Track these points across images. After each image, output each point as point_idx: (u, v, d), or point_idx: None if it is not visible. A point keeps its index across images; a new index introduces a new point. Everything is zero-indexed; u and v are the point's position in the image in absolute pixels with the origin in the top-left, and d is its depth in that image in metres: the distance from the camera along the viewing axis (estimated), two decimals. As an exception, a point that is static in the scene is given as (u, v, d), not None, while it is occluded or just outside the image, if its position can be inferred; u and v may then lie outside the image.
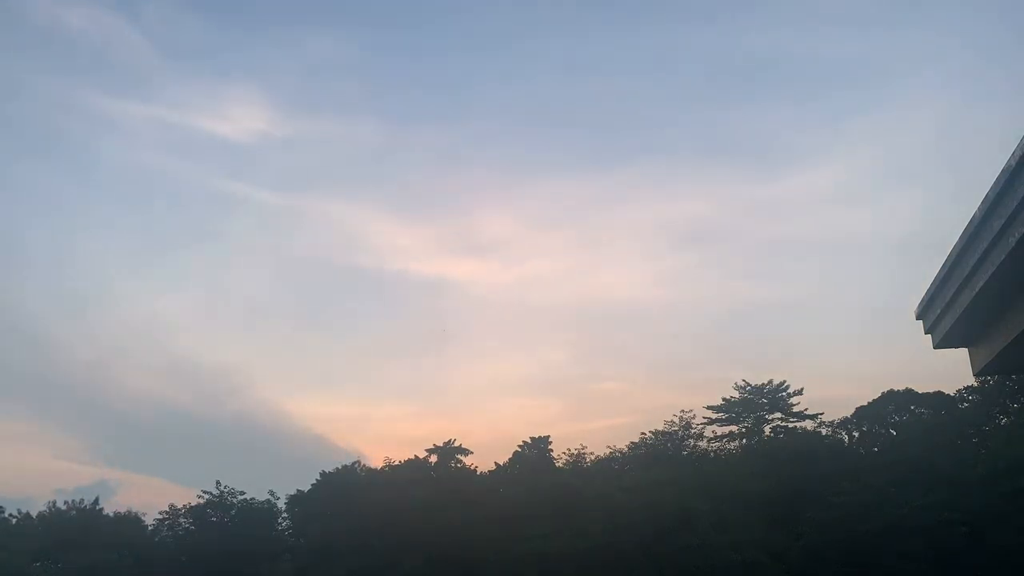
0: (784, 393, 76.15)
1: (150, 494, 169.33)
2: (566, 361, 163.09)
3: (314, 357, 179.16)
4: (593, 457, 78.09)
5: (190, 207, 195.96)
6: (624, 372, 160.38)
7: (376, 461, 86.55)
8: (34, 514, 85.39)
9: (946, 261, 9.10)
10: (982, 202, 7.75)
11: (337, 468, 79.32)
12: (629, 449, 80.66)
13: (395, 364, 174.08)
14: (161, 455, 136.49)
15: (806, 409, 76.04)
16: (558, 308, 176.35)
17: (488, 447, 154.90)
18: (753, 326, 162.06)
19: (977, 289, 8.52)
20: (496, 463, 78.01)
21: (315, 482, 77.84)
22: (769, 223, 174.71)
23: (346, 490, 72.69)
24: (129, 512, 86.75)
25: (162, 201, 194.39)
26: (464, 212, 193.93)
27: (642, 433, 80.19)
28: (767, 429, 76.05)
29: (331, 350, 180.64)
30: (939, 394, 73.02)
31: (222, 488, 79.55)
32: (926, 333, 10.79)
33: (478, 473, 75.95)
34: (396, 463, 77.44)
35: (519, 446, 78.57)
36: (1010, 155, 7.06)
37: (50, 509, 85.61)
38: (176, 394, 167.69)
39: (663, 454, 75.61)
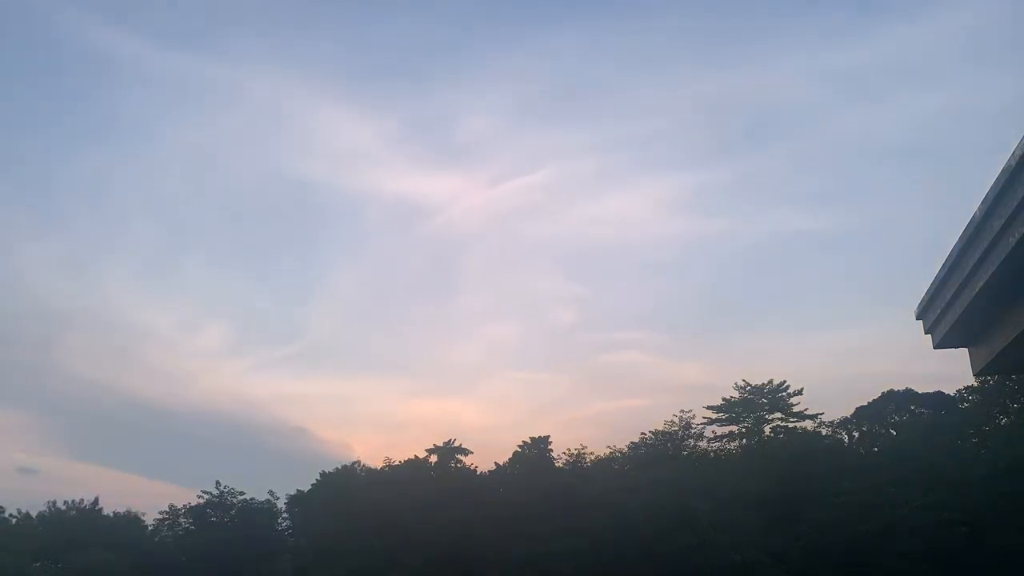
0: (784, 393, 76.17)
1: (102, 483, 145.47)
2: (575, 324, 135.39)
3: (272, 321, 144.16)
4: (593, 457, 78.16)
5: (53, 71, 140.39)
6: (646, 337, 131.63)
7: (362, 452, 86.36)
8: (34, 514, 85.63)
9: (946, 261, 9.08)
10: (982, 202, 7.74)
11: (337, 468, 79.70)
12: (629, 449, 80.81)
13: (370, 330, 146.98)
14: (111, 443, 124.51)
15: (806, 409, 76.05)
16: (562, 243, 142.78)
17: (485, 433, 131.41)
18: (811, 270, 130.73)
19: (977, 289, 8.50)
20: (496, 463, 78.25)
21: (315, 482, 78.14)
22: (851, 107, 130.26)
23: (346, 490, 72.83)
24: (129, 512, 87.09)
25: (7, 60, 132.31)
26: (435, 89, 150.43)
27: (642, 433, 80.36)
28: (767, 429, 76.06)
29: (289, 309, 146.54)
30: (939, 394, 73.09)
31: (222, 488, 79.74)
32: (926, 333, 10.76)
33: (478, 473, 76.10)
34: (396, 463, 77.74)
35: (519, 446, 78.59)
36: (1010, 155, 7.04)
37: (50, 509, 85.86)
38: (119, 377, 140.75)
39: (663, 454, 75.57)
